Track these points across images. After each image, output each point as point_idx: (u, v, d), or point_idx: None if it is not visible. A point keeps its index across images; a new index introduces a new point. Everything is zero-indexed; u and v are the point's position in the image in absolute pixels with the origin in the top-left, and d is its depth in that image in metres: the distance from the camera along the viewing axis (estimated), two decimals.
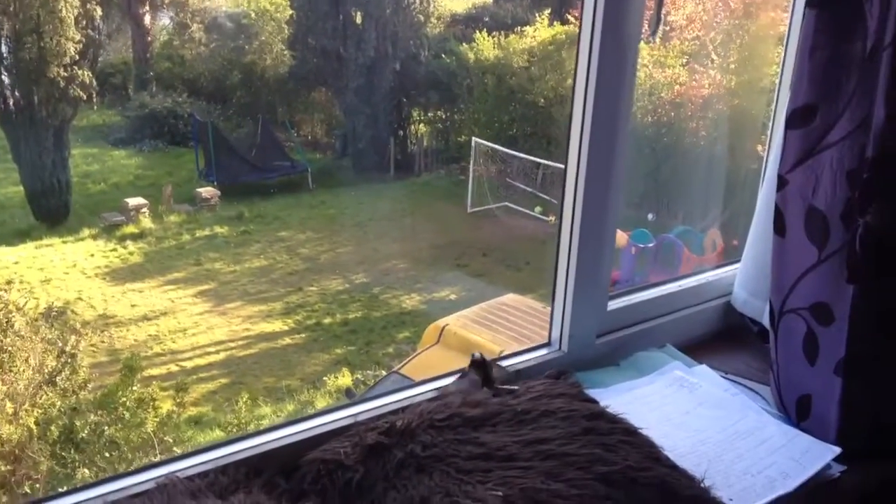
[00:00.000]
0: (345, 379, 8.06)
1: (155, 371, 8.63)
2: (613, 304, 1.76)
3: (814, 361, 1.56)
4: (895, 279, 1.47)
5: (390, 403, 1.43)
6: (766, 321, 1.71)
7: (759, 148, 10.17)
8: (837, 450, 1.50)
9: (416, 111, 15.76)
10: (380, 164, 14.55)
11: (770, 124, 1.93)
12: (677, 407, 1.60)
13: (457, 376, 1.56)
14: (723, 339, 1.92)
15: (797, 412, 1.61)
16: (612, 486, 1.23)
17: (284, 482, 1.23)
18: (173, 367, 8.76)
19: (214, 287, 10.74)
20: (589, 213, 1.62)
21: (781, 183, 1.57)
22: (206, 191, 13.01)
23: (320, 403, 7.83)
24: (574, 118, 1.59)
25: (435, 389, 1.52)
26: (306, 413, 7.63)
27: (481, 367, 1.53)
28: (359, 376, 8.05)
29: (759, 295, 1.79)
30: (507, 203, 12.34)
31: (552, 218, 11.34)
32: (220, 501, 1.10)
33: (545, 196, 11.98)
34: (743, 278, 1.87)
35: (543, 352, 1.71)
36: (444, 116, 15.74)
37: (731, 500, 1.35)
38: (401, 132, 15.29)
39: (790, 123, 1.54)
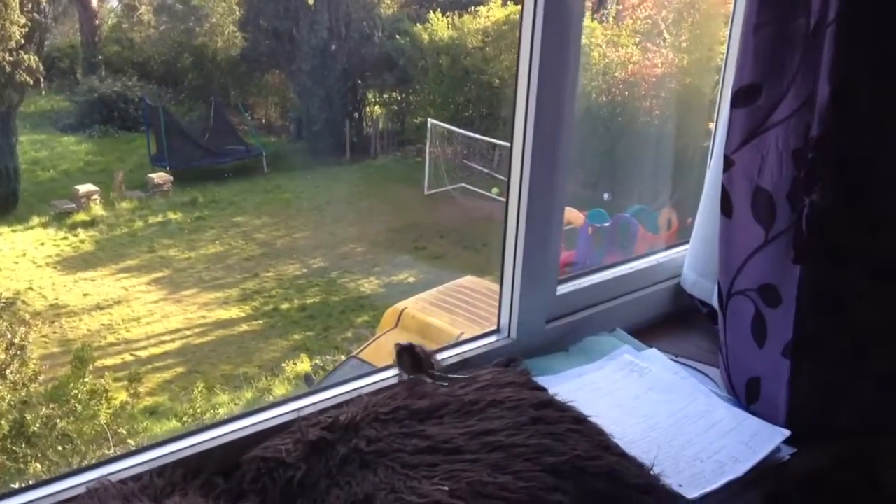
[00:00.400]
0: (303, 365, 8.00)
1: (109, 361, 8.49)
2: (563, 289, 1.73)
3: (762, 344, 1.55)
4: (840, 259, 1.46)
5: (334, 397, 1.39)
6: (714, 303, 1.70)
7: (711, 126, 10.24)
8: (787, 432, 1.49)
9: (370, 93, 15.65)
10: (335, 147, 14.43)
11: (717, 104, 1.92)
12: (627, 392, 1.59)
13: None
14: (673, 321, 1.90)
15: (746, 395, 1.60)
16: (561, 476, 1.21)
17: (223, 482, 1.18)
18: (128, 357, 8.63)
19: (169, 274, 10.59)
20: (535, 195, 1.58)
21: (727, 163, 1.55)
22: (159, 176, 12.82)
23: (279, 391, 7.77)
24: (518, 96, 1.56)
25: (378, 382, 1.48)
26: (265, 401, 7.60)
27: (409, 354, 1.48)
28: (318, 362, 7.99)
29: (708, 276, 1.77)
30: (463, 184, 12.32)
31: None
32: None
33: (502, 177, 11.94)
34: (692, 259, 1.85)
35: (492, 339, 1.68)
36: (399, 98, 15.65)
37: (680, 486, 1.34)
38: (356, 114, 15.17)
39: (735, 102, 1.51)
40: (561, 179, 1.60)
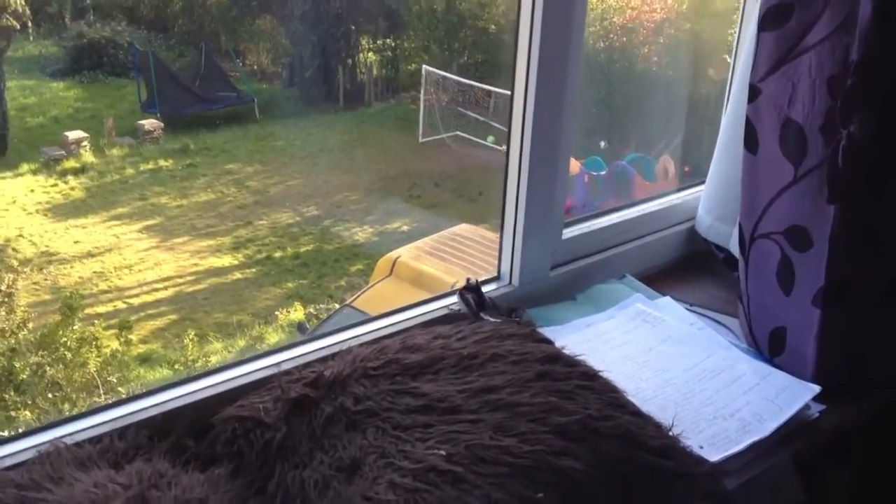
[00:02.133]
0: (297, 313, 7.91)
1: (101, 309, 8.40)
2: (568, 233, 1.63)
3: (789, 291, 1.42)
4: (881, 197, 1.32)
5: (320, 349, 1.26)
6: (734, 248, 1.59)
7: (712, 72, 10.09)
8: (816, 388, 1.36)
9: (364, 39, 15.37)
10: (328, 94, 14.23)
11: (737, 27, 1.76)
12: (640, 344, 1.47)
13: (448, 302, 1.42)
14: (686, 267, 1.81)
15: (770, 346, 1.48)
16: (570, 439, 1.08)
17: (193, 445, 1.06)
18: (120, 305, 8.54)
19: (160, 222, 10.47)
20: (540, 135, 1.47)
21: (753, 93, 1.40)
22: (150, 123, 12.63)
23: (272, 338, 7.70)
24: (520, 34, 1.46)
25: (393, 325, 1.37)
26: (258, 350, 7.54)
27: (475, 292, 1.41)
28: (311, 310, 7.91)
29: (726, 219, 1.67)
30: (458, 132, 12.16)
31: (504, 147, 11.15)
32: (113, 472, 0.92)
33: (497, 125, 11.79)
34: (708, 202, 1.74)
35: (492, 286, 1.59)
36: (393, 44, 15.38)
37: (701, 447, 1.22)
38: (349, 61, 14.91)
39: (763, 24, 1.36)
40: (568, 117, 1.49)
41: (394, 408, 1.08)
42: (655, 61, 10.75)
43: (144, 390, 1.09)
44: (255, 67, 15.94)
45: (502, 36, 12.94)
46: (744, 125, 1.44)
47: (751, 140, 1.44)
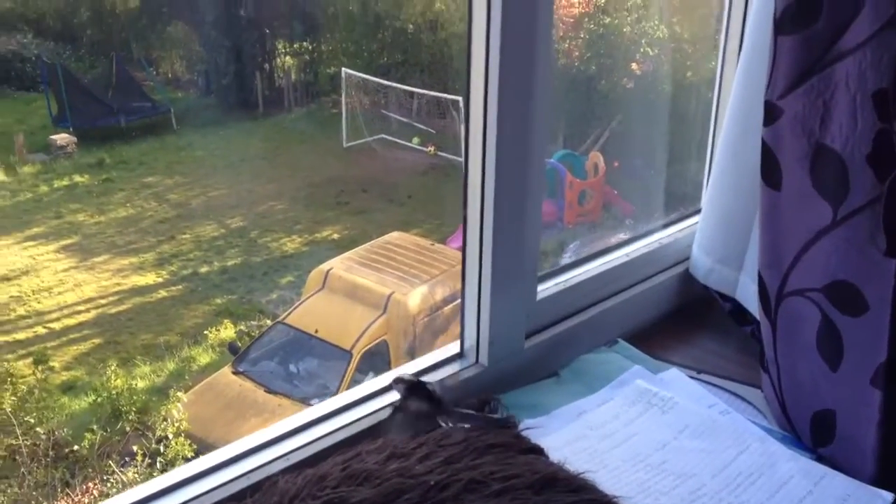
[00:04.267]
0: (227, 331, 7.70)
1: (20, 335, 8.08)
2: (542, 290, 1.35)
3: (836, 366, 1.14)
4: None
5: (231, 481, 0.99)
6: (744, 298, 1.33)
7: (634, 66, 10.18)
8: (888, 496, 1.09)
9: (280, 43, 15.14)
10: (247, 101, 13.99)
11: (724, 21, 1.49)
12: (650, 439, 1.17)
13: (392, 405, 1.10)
14: (682, 321, 1.52)
15: (814, 434, 1.20)
16: None
17: None
18: (41, 330, 8.23)
19: (78, 240, 10.14)
20: (504, 165, 1.15)
21: (772, 113, 1.13)
22: (62, 137, 12.24)
23: (203, 359, 7.48)
24: (474, 29, 1.13)
25: (330, 433, 1.07)
26: (189, 369, 7.28)
27: (418, 390, 1.08)
28: (242, 328, 7.70)
29: (730, 262, 1.39)
30: (383, 135, 12.03)
31: (431, 148, 11.09)
32: None
33: (422, 126, 11.72)
34: (704, 240, 1.45)
35: (455, 367, 1.25)
36: (310, 48, 15.17)
37: None
38: (266, 66, 14.67)
39: (782, 26, 1.10)
40: (538, 141, 1.20)
41: None
42: (577, 56, 10.78)
43: None
44: (170, 76, 15.56)
45: (420, 35, 12.86)
46: (746, 150, 1.22)
47: (771, 172, 1.15)
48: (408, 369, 1.19)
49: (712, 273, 1.44)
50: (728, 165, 1.34)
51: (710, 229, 1.44)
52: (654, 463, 1.13)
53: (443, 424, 1.02)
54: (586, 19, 10.83)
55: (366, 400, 1.15)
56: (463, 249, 1.23)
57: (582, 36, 10.86)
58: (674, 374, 1.33)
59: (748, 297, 1.36)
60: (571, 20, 10.88)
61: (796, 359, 1.21)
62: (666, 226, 1.54)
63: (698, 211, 1.54)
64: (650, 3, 9.85)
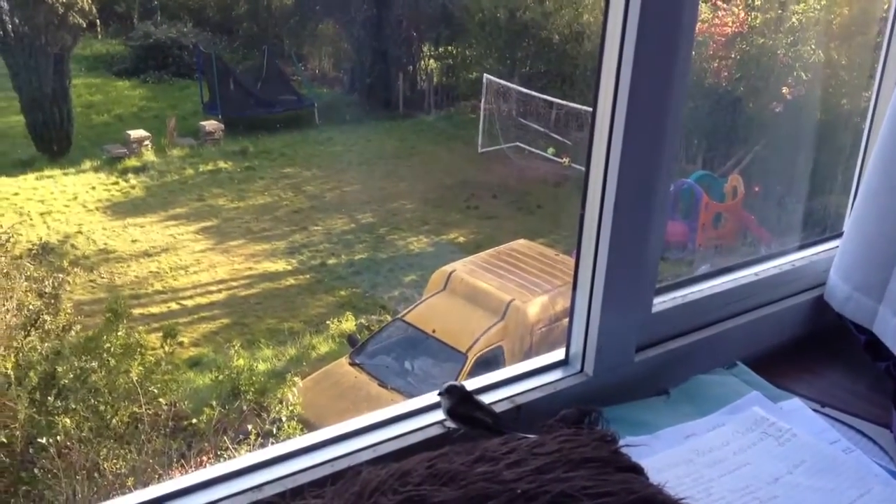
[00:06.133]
0: (348, 323, 7.81)
1: (155, 309, 8.42)
2: (659, 303, 1.25)
3: None
4: None
5: (315, 466, 0.95)
6: (883, 332, 1.20)
7: (785, 90, 9.80)
8: None
9: (426, 46, 15.29)
10: (388, 101, 14.19)
11: (883, 50, 1.41)
12: (762, 471, 1.07)
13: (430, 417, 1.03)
14: (812, 350, 1.38)
15: None
16: None
17: None
18: (174, 306, 8.55)
19: (217, 224, 10.51)
20: (629, 174, 1.09)
21: None
22: (210, 124, 12.74)
23: (322, 348, 7.60)
24: (608, 38, 1.07)
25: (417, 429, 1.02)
26: (308, 356, 7.42)
27: (466, 402, 0.99)
28: (363, 321, 7.78)
29: (871, 291, 1.26)
30: (518, 143, 11.99)
31: (566, 159, 10.98)
32: None
33: (558, 137, 11.62)
34: (844, 265, 1.33)
35: (557, 374, 1.17)
36: (454, 52, 15.29)
37: None
38: (410, 68, 14.86)
39: None
40: (667, 157, 1.11)
41: None
42: (725, 76, 10.45)
43: None
44: (317, 72, 15.98)
45: (565, 46, 12.75)
46: None
47: None
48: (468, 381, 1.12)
49: (850, 301, 1.32)
50: (879, 186, 1.23)
51: (851, 254, 1.32)
52: (763, 497, 1.03)
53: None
54: (739, 39, 10.49)
55: None
56: (577, 253, 1.16)
57: (733, 56, 10.53)
58: (795, 405, 1.22)
59: (887, 330, 1.23)
60: (723, 39, 10.56)
61: None
62: (802, 247, 1.41)
63: (839, 235, 1.42)
64: (809, 26, 9.46)
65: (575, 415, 1.03)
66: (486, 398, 1.10)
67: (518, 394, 1.12)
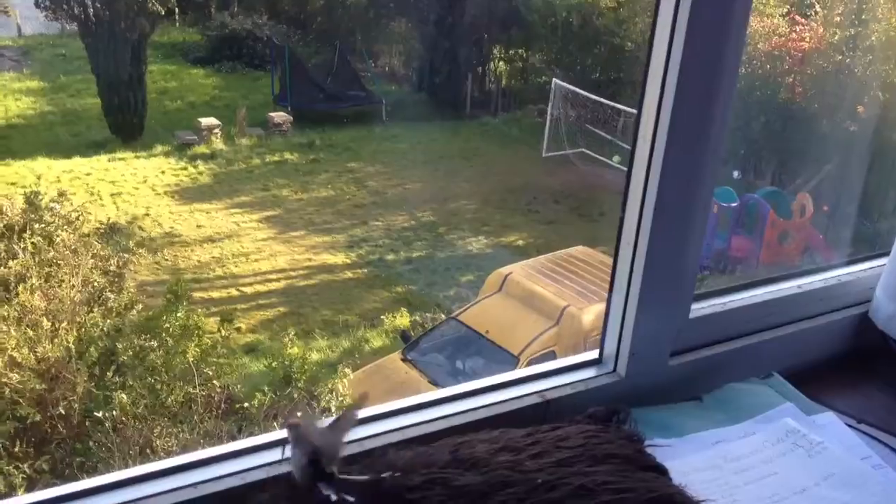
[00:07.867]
0: (403, 319, 7.84)
1: (215, 294, 8.56)
2: (697, 309, 1.23)
3: None
4: None
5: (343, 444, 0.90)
6: None
7: (860, 109, 9.55)
8: None
9: (496, 48, 15.27)
10: (455, 101, 14.20)
11: None
12: (788, 481, 1.06)
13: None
14: (852, 367, 1.36)
15: None
16: None
17: None
18: (234, 292, 8.68)
19: (280, 214, 10.64)
20: (671, 176, 1.09)
21: None
22: (279, 115, 12.91)
23: (376, 342, 7.65)
24: (656, 43, 1.07)
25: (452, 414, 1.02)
26: (361, 349, 7.46)
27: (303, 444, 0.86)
28: (417, 318, 7.80)
29: None
30: (584, 149, 11.90)
31: None
32: None
33: (625, 145, 11.49)
34: (890, 284, 1.30)
35: (590, 372, 1.16)
36: (524, 55, 15.23)
37: None
38: (479, 69, 14.86)
39: None
40: (709, 161, 1.11)
41: None
42: (800, 92, 10.23)
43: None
44: (386, 69, 16.09)
45: (638, 54, 12.61)
46: None
47: None
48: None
49: (894, 320, 1.29)
50: None
51: None
52: None
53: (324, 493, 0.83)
54: (816, 55, 10.27)
55: (489, 390, 1.09)
56: (615, 253, 1.15)
57: (809, 72, 10.31)
58: (829, 419, 1.20)
59: None
60: (799, 55, 10.35)
61: None
62: (850, 262, 1.37)
63: (886, 253, 1.38)
64: (888, 45, 9.21)
65: (603, 413, 1.02)
66: (515, 392, 1.09)
67: (548, 389, 1.12)
